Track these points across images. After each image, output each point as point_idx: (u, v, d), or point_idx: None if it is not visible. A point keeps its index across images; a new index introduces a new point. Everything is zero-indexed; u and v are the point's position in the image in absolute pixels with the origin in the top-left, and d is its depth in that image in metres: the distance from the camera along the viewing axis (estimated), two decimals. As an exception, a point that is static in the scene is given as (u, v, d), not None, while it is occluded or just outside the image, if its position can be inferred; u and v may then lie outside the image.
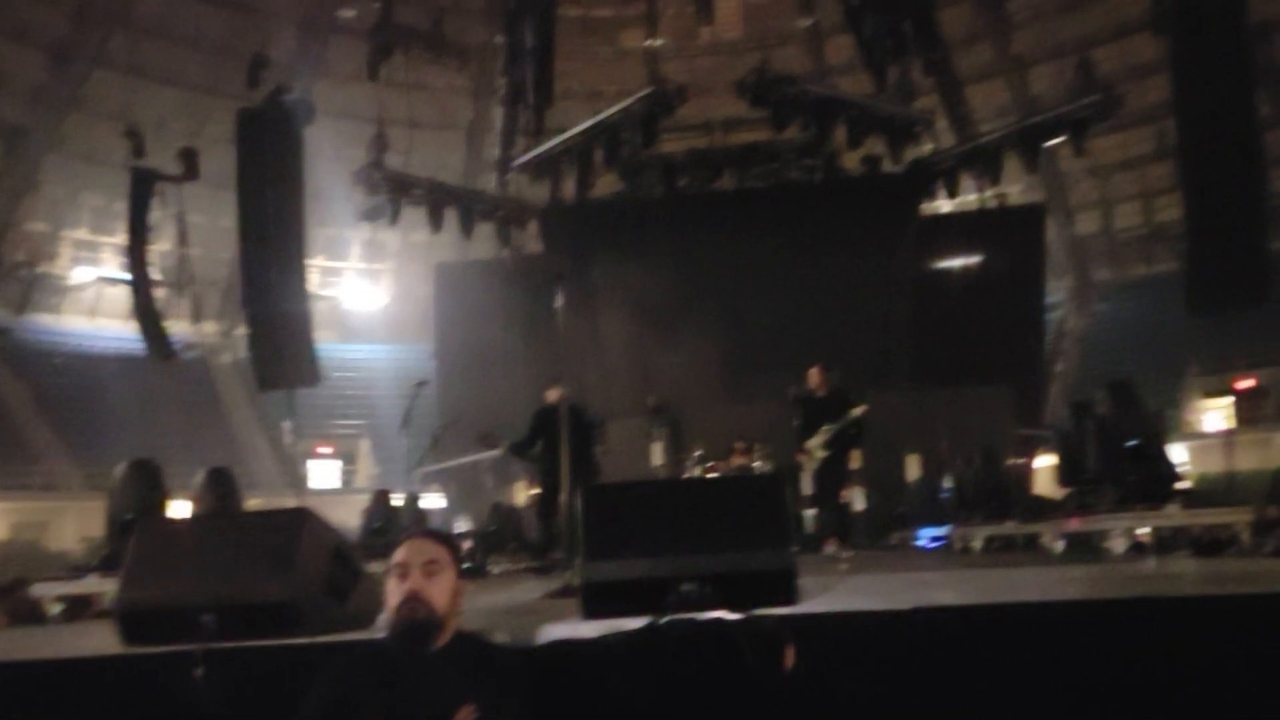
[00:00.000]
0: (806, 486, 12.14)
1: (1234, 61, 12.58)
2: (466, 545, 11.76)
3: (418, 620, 2.24)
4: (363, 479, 28.28)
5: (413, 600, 2.26)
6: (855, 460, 12.14)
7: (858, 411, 8.09)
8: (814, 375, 8.44)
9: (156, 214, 16.67)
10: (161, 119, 26.01)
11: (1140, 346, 26.50)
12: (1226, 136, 12.42)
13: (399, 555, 2.34)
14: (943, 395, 15.14)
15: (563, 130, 18.90)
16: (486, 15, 26.13)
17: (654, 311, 17.00)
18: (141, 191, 15.48)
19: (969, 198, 20.45)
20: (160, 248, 23.79)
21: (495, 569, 10.86)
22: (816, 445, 8.27)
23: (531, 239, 21.24)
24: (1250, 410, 22.71)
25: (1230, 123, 12.43)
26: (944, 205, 21.33)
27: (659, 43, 26.04)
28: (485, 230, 20.80)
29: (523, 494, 15.45)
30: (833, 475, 8.41)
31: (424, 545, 2.35)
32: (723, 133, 20.46)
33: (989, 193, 19.31)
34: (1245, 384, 23.18)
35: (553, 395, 8.25)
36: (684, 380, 16.01)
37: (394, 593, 2.30)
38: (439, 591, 2.29)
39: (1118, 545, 5.80)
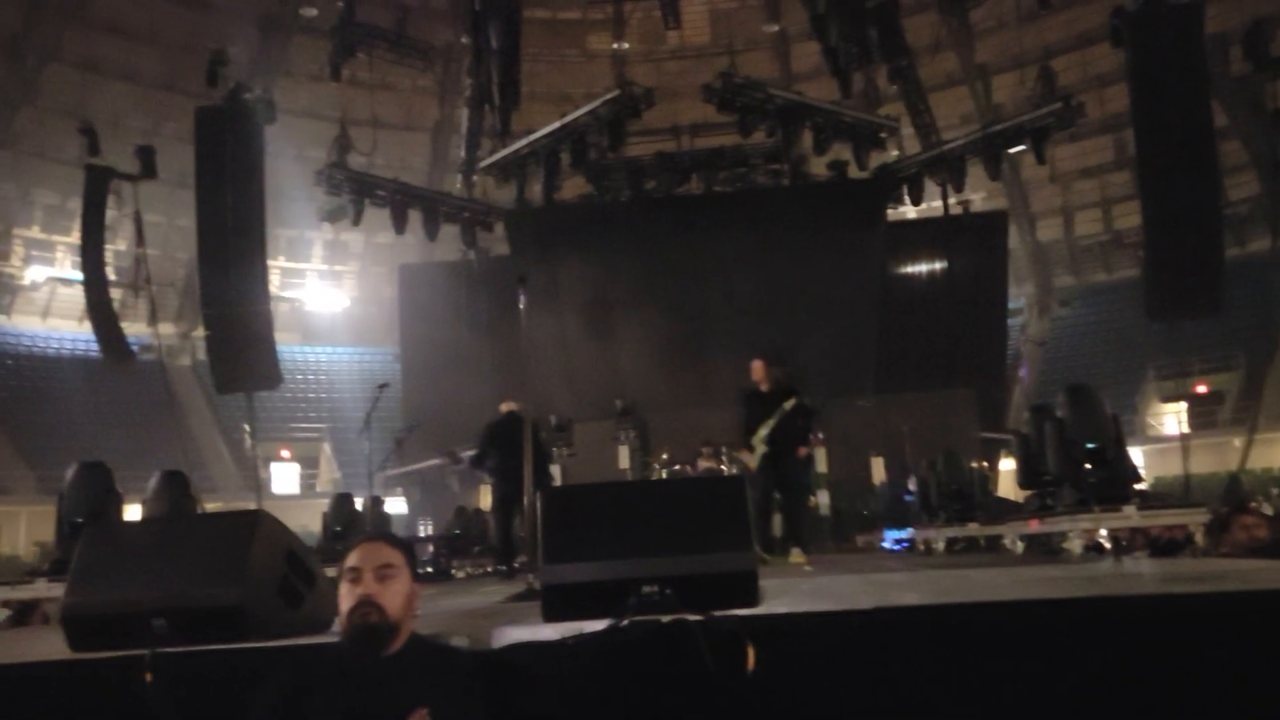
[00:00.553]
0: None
1: (1190, 73, 12.83)
2: (429, 549, 11.70)
3: (371, 625, 2.21)
4: (325, 483, 27.97)
5: (366, 605, 2.22)
6: (821, 462, 12.15)
7: (789, 405, 7.69)
8: (757, 369, 8.01)
9: (112, 213, 16.35)
10: (117, 116, 25.54)
11: (1100, 351, 26.97)
12: (1183, 147, 12.67)
13: (352, 559, 2.30)
14: (908, 399, 15.30)
15: (529, 132, 18.86)
16: (451, 16, 25.99)
17: (621, 315, 17.00)
18: (97, 190, 15.18)
19: (934, 204, 20.68)
20: (116, 247, 23.45)
21: (459, 573, 10.80)
22: (759, 441, 7.84)
23: (497, 241, 21.16)
24: (1204, 415, 23.18)
25: (1187, 133, 12.68)
26: (909, 211, 21.55)
27: (626, 46, 26.09)
28: (450, 232, 20.67)
29: (487, 498, 15.36)
30: (781, 473, 7.93)
31: (377, 549, 2.31)
32: (690, 137, 20.53)
33: (953, 199, 19.54)
34: (1200, 389, 23.66)
35: (505, 407, 8.46)
36: (651, 384, 16.03)
37: (347, 597, 2.26)
38: (393, 596, 2.25)
39: (1076, 546, 5.87)
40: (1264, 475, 19.72)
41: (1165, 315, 13.55)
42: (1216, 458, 20.40)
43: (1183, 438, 15.44)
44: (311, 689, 2.21)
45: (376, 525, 9.50)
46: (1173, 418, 22.52)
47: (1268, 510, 9.79)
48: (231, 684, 2.62)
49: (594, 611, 2.61)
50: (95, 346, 20.54)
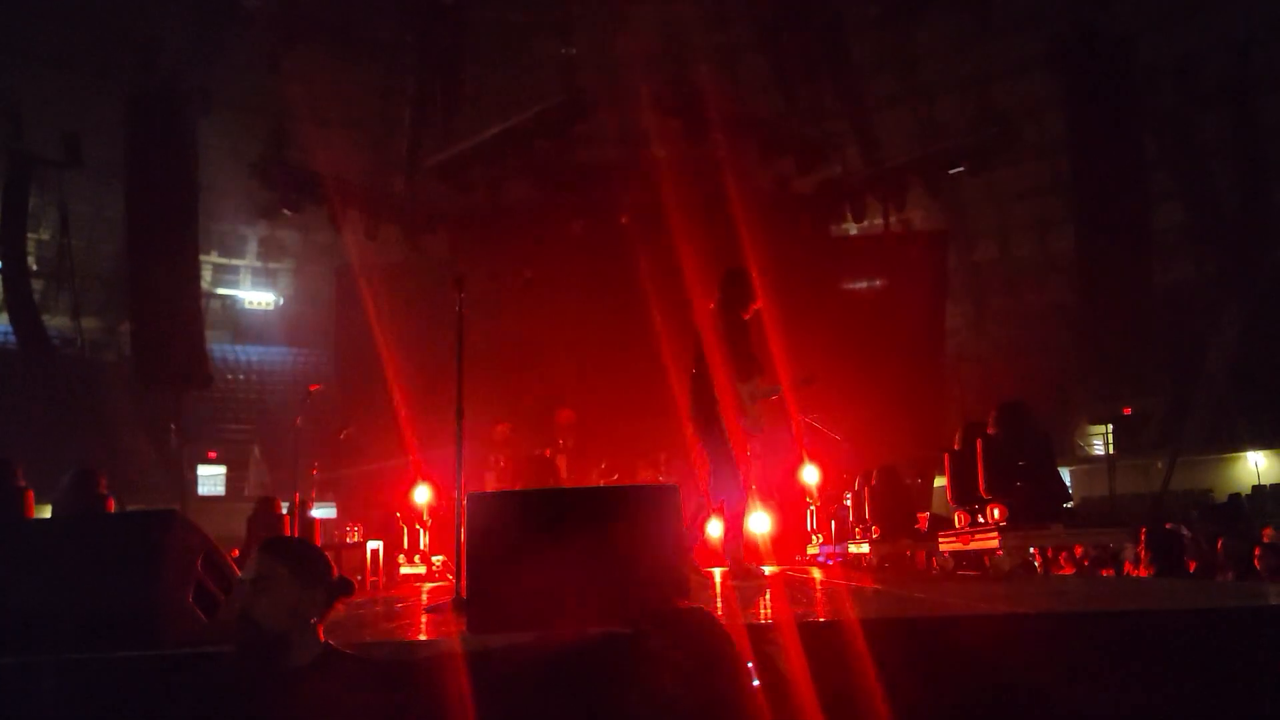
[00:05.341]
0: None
1: (1124, 102, 13.27)
2: (371, 553, 11.41)
3: (246, 640, 2.14)
4: (253, 486, 27.26)
5: (240, 620, 2.16)
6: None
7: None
8: None
9: (35, 201, 15.77)
10: (43, 101, 24.64)
11: (1031, 371, 27.60)
12: (1115, 174, 13.08)
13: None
14: (844, 413, 15.41)
15: (474, 133, 18.64)
16: (397, 12, 25.62)
17: (563, 321, 16.87)
18: (19, 177, 14.65)
19: (875, 222, 20.97)
20: (39, 236, 22.59)
21: (386, 580, 10.56)
22: None
23: (439, 243, 20.85)
24: (1130, 437, 23.86)
25: (1119, 161, 13.10)
26: (851, 228, 21.81)
27: (574, 51, 26.00)
28: (390, 232, 20.33)
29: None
30: None
31: (253, 561, 2.24)
32: (636, 144, 20.51)
33: (894, 218, 19.83)
34: (1126, 411, 24.36)
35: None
36: (592, 394, 15.92)
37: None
38: (265, 608, 2.17)
39: (1005, 563, 5.96)
40: (1185, 497, 20.36)
41: (1091, 342, 13.94)
42: (1141, 479, 21.00)
43: (1109, 459, 15.85)
44: (218, 700, 2.11)
45: (299, 531, 9.24)
46: (1099, 439, 23.17)
47: (1185, 532, 10.08)
48: (137, 694, 2.49)
49: (520, 621, 2.53)
50: (13, 338, 19.78)
